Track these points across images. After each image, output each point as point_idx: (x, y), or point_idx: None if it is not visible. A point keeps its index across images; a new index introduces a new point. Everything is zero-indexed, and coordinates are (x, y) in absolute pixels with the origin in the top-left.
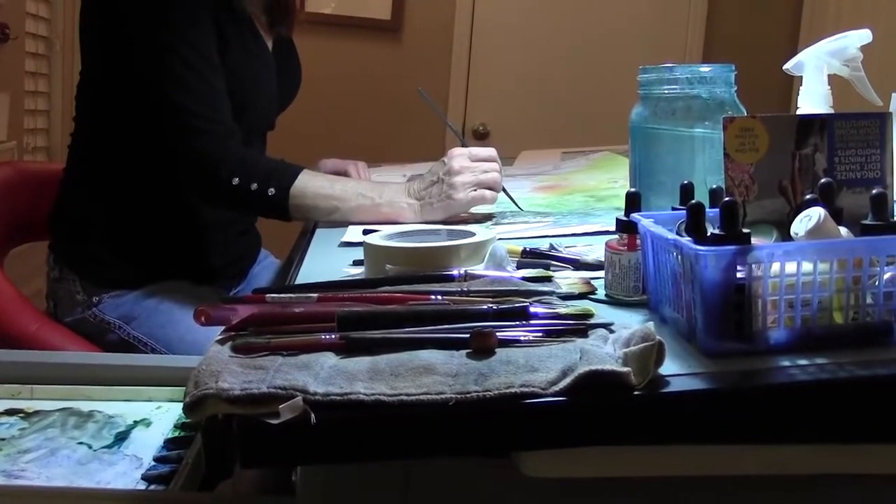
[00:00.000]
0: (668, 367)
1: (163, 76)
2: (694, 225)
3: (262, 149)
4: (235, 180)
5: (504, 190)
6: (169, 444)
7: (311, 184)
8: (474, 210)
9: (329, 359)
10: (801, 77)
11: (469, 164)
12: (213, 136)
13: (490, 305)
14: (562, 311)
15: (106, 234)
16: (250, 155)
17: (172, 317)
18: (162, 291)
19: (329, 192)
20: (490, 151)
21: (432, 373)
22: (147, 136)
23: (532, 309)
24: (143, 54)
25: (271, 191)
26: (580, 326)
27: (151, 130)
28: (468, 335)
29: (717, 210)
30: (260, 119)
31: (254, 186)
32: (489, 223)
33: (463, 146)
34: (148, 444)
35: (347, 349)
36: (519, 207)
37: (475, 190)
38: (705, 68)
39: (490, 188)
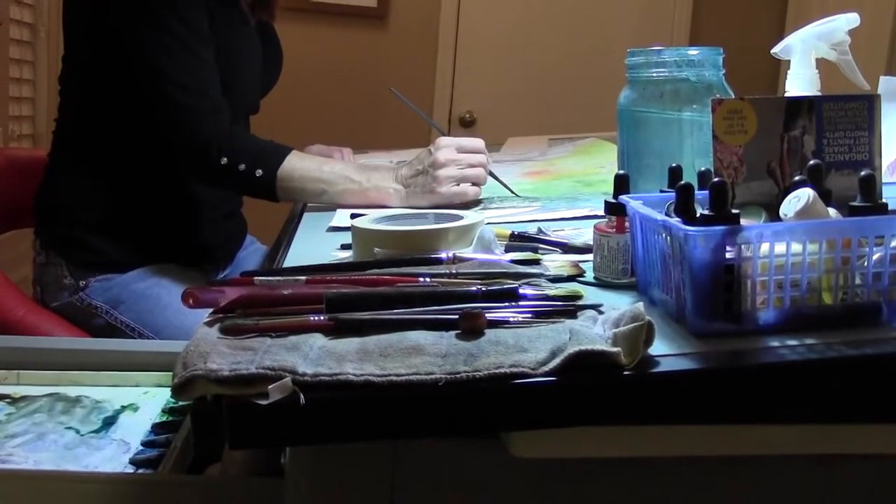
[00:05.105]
0: (658, 348)
1: (151, 49)
2: (683, 205)
3: (245, 130)
4: (224, 160)
5: (493, 175)
6: (157, 428)
7: (300, 166)
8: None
9: (318, 340)
10: (789, 61)
11: (455, 156)
12: (200, 112)
13: (479, 287)
14: (550, 292)
15: (92, 217)
16: (239, 134)
17: (160, 301)
18: (149, 275)
19: (317, 176)
20: (477, 143)
21: (421, 353)
22: (133, 117)
23: (521, 290)
24: (131, 28)
25: (259, 172)
26: (569, 307)
27: (139, 109)
28: (457, 316)
29: (706, 193)
30: (244, 99)
31: (242, 167)
32: (478, 207)
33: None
34: (135, 428)
35: (336, 330)
36: (513, 192)
37: (458, 185)
38: (693, 51)
39: (475, 183)
